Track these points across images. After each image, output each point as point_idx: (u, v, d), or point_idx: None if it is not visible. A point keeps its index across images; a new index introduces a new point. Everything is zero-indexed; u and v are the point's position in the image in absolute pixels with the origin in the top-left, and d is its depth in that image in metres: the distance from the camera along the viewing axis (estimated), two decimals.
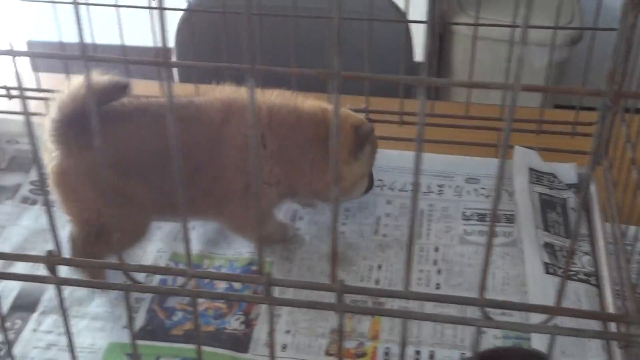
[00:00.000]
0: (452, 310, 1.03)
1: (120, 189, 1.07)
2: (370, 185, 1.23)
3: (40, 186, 0.49)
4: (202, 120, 1.11)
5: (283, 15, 1.27)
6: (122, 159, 1.06)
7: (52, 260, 0.52)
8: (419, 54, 1.80)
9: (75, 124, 1.05)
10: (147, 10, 1.28)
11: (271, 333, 0.56)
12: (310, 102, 1.15)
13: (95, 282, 0.52)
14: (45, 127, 1.06)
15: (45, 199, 0.53)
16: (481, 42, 3.28)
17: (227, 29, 1.38)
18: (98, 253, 1.07)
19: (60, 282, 0.53)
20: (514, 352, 0.57)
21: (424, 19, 3.21)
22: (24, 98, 0.47)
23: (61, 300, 0.56)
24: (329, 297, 0.52)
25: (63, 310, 0.58)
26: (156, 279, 1.13)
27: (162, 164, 1.07)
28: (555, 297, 0.52)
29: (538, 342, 1.02)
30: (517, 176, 1.29)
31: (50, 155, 1.07)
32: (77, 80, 1.04)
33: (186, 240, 0.53)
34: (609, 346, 1.03)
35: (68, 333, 0.62)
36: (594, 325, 1.03)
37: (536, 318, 0.68)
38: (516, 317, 1.04)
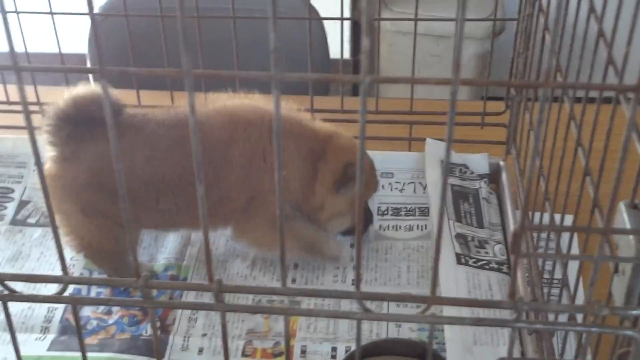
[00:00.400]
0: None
1: (100, 207, 1.07)
2: (367, 223, 1.22)
3: (46, 205, 0.47)
4: (208, 141, 1.06)
5: (219, 17, 1.26)
6: (107, 178, 1.02)
7: (65, 279, 0.51)
8: (333, 51, 1.81)
9: (64, 131, 1.04)
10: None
11: (224, 340, 0.56)
12: (318, 123, 1.16)
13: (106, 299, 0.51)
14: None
15: (51, 220, 0.51)
16: (406, 37, 3.32)
17: (142, 32, 1.38)
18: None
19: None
20: (396, 343, 0.57)
21: (347, 15, 3.24)
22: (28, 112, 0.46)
23: (78, 319, 0.55)
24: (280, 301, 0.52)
25: (79, 329, 0.57)
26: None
27: (157, 184, 1.07)
28: (430, 286, 0.53)
29: (450, 333, 1.03)
30: (429, 169, 1.31)
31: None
32: (78, 90, 1.04)
33: (59, 246, 0.52)
34: (521, 333, 1.05)
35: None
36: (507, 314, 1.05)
37: (449, 310, 0.69)
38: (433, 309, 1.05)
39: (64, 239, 1.09)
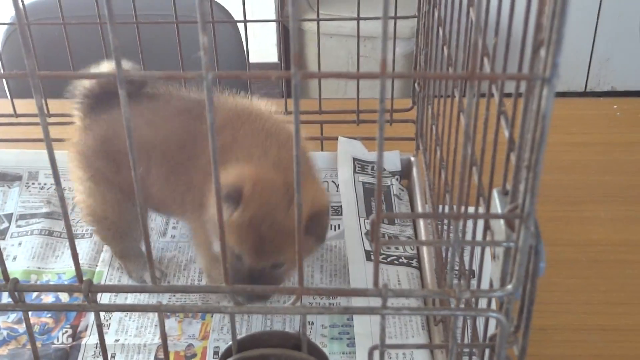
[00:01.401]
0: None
1: (107, 174, 1.11)
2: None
3: (62, 211, 0.47)
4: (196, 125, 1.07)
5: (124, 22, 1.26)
6: (115, 146, 1.09)
7: (89, 289, 0.51)
8: (254, 56, 1.82)
9: (86, 103, 1.12)
10: None
11: (101, 340, 0.57)
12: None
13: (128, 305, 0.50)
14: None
15: (67, 225, 0.51)
16: (334, 39, 3.36)
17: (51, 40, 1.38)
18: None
19: (99, 309, 0.52)
20: (272, 335, 0.58)
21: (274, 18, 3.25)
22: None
23: (100, 326, 0.54)
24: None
25: (101, 335, 0.56)
26: None
27: (148, 157, 1.07)
28: (298, 277, 0.54)
29: (359, 327, 1.05)
30: (341, 167, 1.32)
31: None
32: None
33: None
34: (429, 324, 1.07)
35: None
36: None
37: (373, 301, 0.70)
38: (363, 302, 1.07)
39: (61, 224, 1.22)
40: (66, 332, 1.08)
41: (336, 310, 0.56)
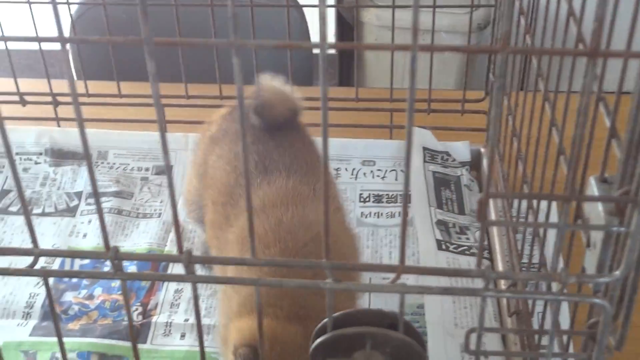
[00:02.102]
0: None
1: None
2: None
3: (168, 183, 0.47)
4: None
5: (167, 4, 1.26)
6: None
7: (189, 259, 0.51)
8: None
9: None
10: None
11: (197, 312, 0.57)
12: None
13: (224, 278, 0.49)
14: None
15: (171, 194, 0.51)
16: (390, 32, 3.33)
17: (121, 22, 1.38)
18: None
19: (197, 280, 0.52)
20: (368, 314, 0.57)
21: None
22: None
23: (49, 291, 0.55)
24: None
25: (50, 300, 0.57)
26: None
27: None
28: (400, 254, 0.53)
29: (431, 316, 1.04)
30: (411, 156, 1.31)
31: None
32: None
33: (28, 219, 0.53)
34: (501, 314, 1.06)
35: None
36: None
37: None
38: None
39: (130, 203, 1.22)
40: (136, 309, 1.09)
41: (436, 291, 0.55)
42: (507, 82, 1.15)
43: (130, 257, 0.54)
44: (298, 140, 1.05)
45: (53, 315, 0.57)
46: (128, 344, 1.04)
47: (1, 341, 1.05)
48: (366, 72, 3.07)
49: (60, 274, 0.54)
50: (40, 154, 1.36)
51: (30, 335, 1.05)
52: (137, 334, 1.05)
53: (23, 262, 0.50)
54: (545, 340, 0.98)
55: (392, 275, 0.53)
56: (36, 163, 1.35)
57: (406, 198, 0.51)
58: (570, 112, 0.78)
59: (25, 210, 0.52)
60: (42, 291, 1.11)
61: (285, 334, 0.81)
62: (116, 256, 0.53)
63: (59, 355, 1.02)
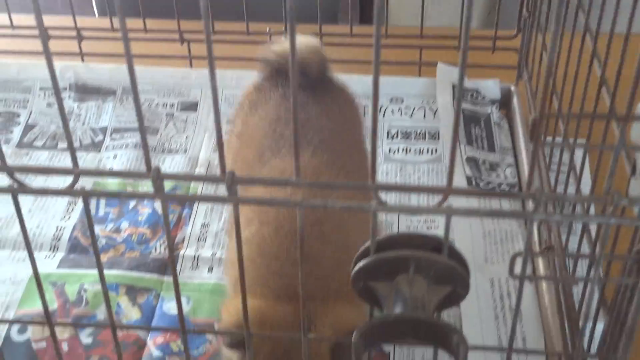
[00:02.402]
0: None
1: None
2: None
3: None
4: None
5: None
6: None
7: (232, 179, 0.50)
8: None
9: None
10: None
11: (237, 233, 0.56)
12: None
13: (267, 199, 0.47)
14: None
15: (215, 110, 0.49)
16: None
17: None
18: None
19: (239, 201, 0.51)
20: (412, 238, 0.56)
21: None
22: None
23: (237, 218, 0.53)
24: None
25: (90, 221, 0.56)
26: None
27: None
28: (447, 179, 0.52)
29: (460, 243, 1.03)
30: (440, 93, 1.29)
31: None
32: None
33: (69, 139, 0.52)
34: (532, 253, 1.05)
35: None
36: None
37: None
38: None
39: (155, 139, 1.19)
40: (164, 242, 1.08)
41: (483, 213, 0.54)
42: (542, 17, 1.13)
43: (172, 177, 0.52)
44: (331, 95, 1.03)
45: (91, 235, 0.56)
46: (156, 276, 1.04)
47: (30, 273, 1.05)
48: (390, 9, 3.02)
49: (101, 194, 0.53)
50: (65, 89, 1.35)
51: (58, 267, 1.05)
52: (164, 267, 1.05)
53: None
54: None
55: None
56: None
57: (458, 119, 0.50)
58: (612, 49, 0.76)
59: (67, 129, 0.51)
60: (69, 224, 1.11)
61: (276, 313, 0.77)
62: (158, 176, 0.52)
63: (87, 286, 1.02)
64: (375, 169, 0.52)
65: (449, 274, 0.57)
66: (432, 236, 0.57)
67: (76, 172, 0.54)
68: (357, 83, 1.14)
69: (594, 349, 0.76)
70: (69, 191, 0.54)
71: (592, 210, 0.96)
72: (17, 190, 0.55)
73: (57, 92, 0.51)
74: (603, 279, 0.58)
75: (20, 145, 1.26)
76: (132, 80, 0.48)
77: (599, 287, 0.60)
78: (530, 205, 0.52)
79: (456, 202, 0.67)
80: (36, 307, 1.00)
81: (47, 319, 0.65)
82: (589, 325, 0.88)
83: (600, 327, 0.76)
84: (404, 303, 0.56)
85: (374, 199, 0.53)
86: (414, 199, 1.13)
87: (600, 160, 0.76)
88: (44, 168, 0.54)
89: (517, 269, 0.57)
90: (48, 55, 0.48)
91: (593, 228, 0.82)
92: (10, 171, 0.54)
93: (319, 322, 0.76)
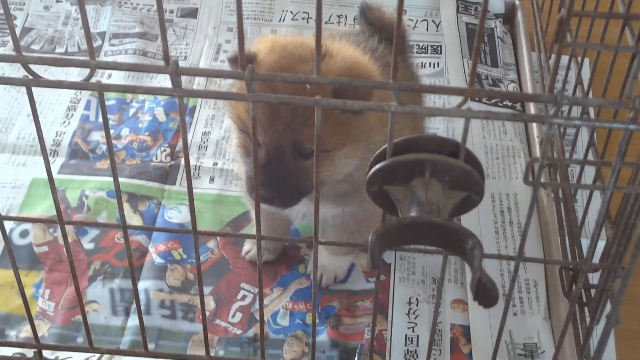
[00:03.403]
0: None
1: None
2: None
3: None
4: None
5: None
6: None
7: (252, 75, 0.49)
8: None
9: None
10: None
11: (254, 134, 0.55)
12: None
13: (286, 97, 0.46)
14: None
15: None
16: None
17: None
18: None
19: (258, 99, 0.49)
20: (429, 141, 0.56)
21: None
22: None
23: (103, 105, 0.52)
24: None
25: (104, 115, 0.55)
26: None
27: None
28: (470, 76, 0.51)
29: None
30: (444, 6, 1.28)
31: None
32: None
33: (86, 28, 0.50)
34: (532, 167, 1.05)
35: None
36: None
37: None
38: None
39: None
40: (164, 150, 1.08)
41: (504, 117, 0.54)
42: None
43: (190, 72, 0.51)
44: None
45: (106, 131, 0.55)
46: (157, 184, 1.03)
47: (31, 177, 1.04)
48: None
49: (117, 89, 0.52)
50: None
51: (59, 173, 1.04)
52: (165, 175, 1.05)
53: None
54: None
55: None
56: (57, 1, 1.31)
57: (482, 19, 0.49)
58: None
59: (84, 17, 0.50)
60: (69, 129, 1.10)
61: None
62: (176, 71, 0.51)
63: (88, 192, 1.02)
64: (396, 68, 0.51)
65: (465, 179, 0.56)
66: (450, 140, 0.56)
67: (92, 64, 0.53)
68: None
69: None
70: (86, 84, 0.53)
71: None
72: (31, 81, 0.54)
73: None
74: (612, 187, 0.58)
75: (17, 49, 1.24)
76: None
77: (608, 196, 0.60)
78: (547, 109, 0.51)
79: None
80: (37, 212, 1.00)
81: (59, 217, 0.64)
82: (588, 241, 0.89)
83: (601, 245, 0.76)
84: (419, 206, 0.56)
85: (394, 99, 0.52)
86: None
87: (614, 63, 0.75)
88: (60, 59, 0.53)
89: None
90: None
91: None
92: (25, 62, 0.53)
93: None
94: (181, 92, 0.53)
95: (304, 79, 0.52)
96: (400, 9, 0.48)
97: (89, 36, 0.53)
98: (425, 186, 0.57)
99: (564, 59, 0.89)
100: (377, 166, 0.56)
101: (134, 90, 0.52)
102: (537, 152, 1.04)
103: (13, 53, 0.54)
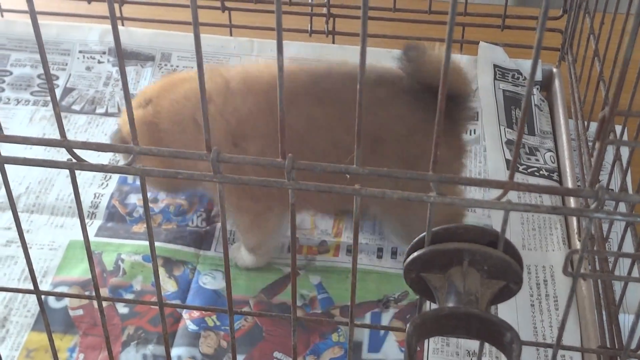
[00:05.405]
0: None
1: None
2: None
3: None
4: None
5: None
6: None
7: (135, 150, 0.50)
8: None
9: None
10: None
11: (292, 220, 0.55)
12: None
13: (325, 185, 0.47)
14: None
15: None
16: None
17: None
18: None
19: (297, 187, 0.51)
20: (469, 230, 0.56)
21: None
22: None
23: (145, 191, 0.53)
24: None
25: (145, 201, 0.56)
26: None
27: None
28: (511, 169, 0.51)
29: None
30: (481, 73, 1.28)
31: None
32: None
33: (131, 115, 0.51)
34: (569, 238, 1.04)
35: None
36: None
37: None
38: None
39: None
40: (200, 215, 1.08)
41: (544, 210, 0.53)
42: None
43: (232, 160, 0.52)
44: None
45: (146, 212, 0.56)
46: (192, 249, 1.04)
47: (68, 239, 1.05)
48: None
49: (159, 174, 0.53)
50: (104, 53, 1.34)
51: (96, 235, 1.05)
52: (200, 239, 1.05)
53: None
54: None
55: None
56: (99, 62, 1.33)
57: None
58: None
59: (128, 99, 0.50)
60: (107, 191, 1.11)
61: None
62: (218, 158, 0.51)
63: (124, 256, 1.02)
64: (436, 159, 0.52)
65: (504, 268, 0.56)
66: (488, 229, 0.56)
67: (135, 150, 0.53)
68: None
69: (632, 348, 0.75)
70: (128, 169, 0.54)
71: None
72: (75, 165, 0.55)
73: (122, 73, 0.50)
74: None
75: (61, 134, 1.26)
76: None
77: None
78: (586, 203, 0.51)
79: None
80: (74, 275, 1.01)
81: (96, 292, 0.65)
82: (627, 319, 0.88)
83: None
84: (457, 296, 0.56)
85: (434, 190, 0.53)
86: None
87: None
88: (104, 145, 0.54)
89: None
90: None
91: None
92: (69, 147, 0.54)
93: None
94: (222, 178, 0.53)
95: (343, 169, 0.53)
96: (444, 90, 0.48)
97: (131, 119, 0.54)
98: (463, 275, 0.57)
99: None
100: (415, 254, 0.57)
101: (175, 175, 0.53)
102: (576, 239, 1.03)
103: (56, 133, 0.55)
